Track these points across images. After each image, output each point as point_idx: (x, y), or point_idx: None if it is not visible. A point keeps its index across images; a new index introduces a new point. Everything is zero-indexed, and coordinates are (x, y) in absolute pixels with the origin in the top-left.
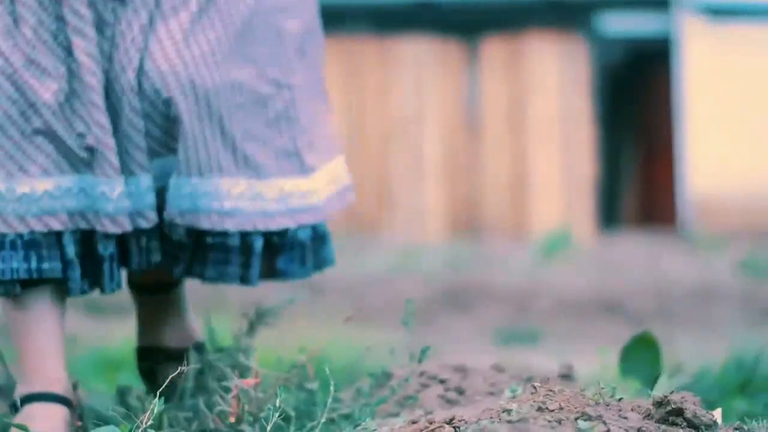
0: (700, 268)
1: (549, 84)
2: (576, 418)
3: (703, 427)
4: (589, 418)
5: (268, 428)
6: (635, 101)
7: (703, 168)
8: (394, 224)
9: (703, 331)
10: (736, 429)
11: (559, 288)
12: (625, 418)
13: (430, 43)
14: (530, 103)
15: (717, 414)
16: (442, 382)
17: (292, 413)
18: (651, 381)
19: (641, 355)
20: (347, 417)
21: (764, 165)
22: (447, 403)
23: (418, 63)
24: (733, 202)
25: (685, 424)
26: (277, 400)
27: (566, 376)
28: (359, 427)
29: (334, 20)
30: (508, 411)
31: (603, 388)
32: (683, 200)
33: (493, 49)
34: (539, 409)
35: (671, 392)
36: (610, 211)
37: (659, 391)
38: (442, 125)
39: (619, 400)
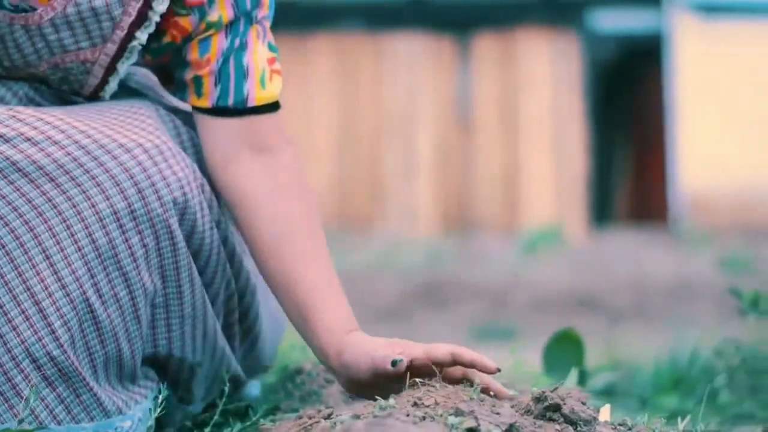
0: (683, 264)
1: (541, 81)
2: (449, 414)
3: (581, 423)
4: (461, 414)
5: (149, 422)
6: (627, 98)
7: (696, 164)
8: (385, 220)
9: (676, 327)
10: (620, 425)
11: (540, 284)
12: (498, 413)
13: (423, 40)
14: (522, 100)
15: (605, 411)
16: None
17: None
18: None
19: (564, 352)
20: (245, 413)
21: (756, 161)
22: (349, 398)
23: (411, 60)
24: (725, 198)
25: (562, 419)
26: (160, 397)
27: None
28: (248, 424)
29: (327, 17)
30: (381, 407)
31: (478, 384)
32: (675, 197)
33: (486, 46)
34: (414, 404)
35: (554, 388)
36: (603, 208)
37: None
38: (434, 122)
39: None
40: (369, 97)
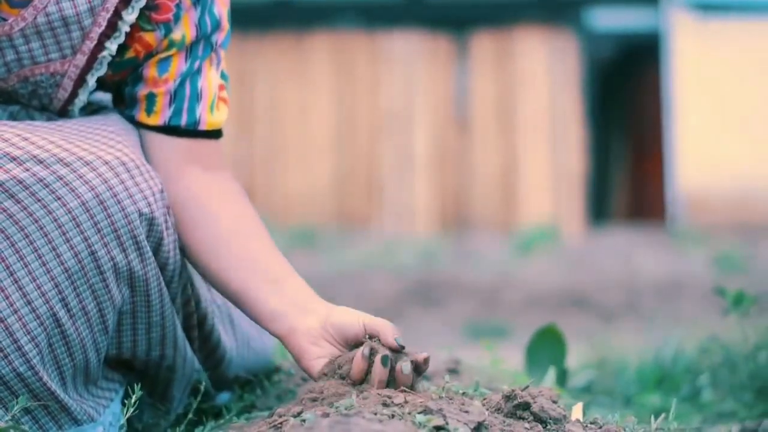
0: (678, 263)
1: (538, 79)
2: (417, 412)
3: (550, 421)
4: (430, 412)
5: (122, 421)
6: (625, 96)
7: (693, 163)
8: (383, 219)
9: (665, 325)
10: (591, 423)
11: (534, 283)
12: (467, 411)
13: (420, 39)
14: (519, 99)
15: (577, 409)
16: None
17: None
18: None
19: (546, 351)
20: (219, 412)
21: (754, 160)
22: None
23: (408, 58)
24: (723, 197)
25: (531, 417)
26: (133, 398)
27: (453, 371)
28: (221, 422)
29: (325, 16)
30: (347, 406)
31: (448, 382)
32: (673, 195)
33: (483, 45)
34: (384, 403)
35: (525, 386)
36: (600, 207)
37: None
38: (431, 121)
39: (463, 394)
40: (366, 95)
